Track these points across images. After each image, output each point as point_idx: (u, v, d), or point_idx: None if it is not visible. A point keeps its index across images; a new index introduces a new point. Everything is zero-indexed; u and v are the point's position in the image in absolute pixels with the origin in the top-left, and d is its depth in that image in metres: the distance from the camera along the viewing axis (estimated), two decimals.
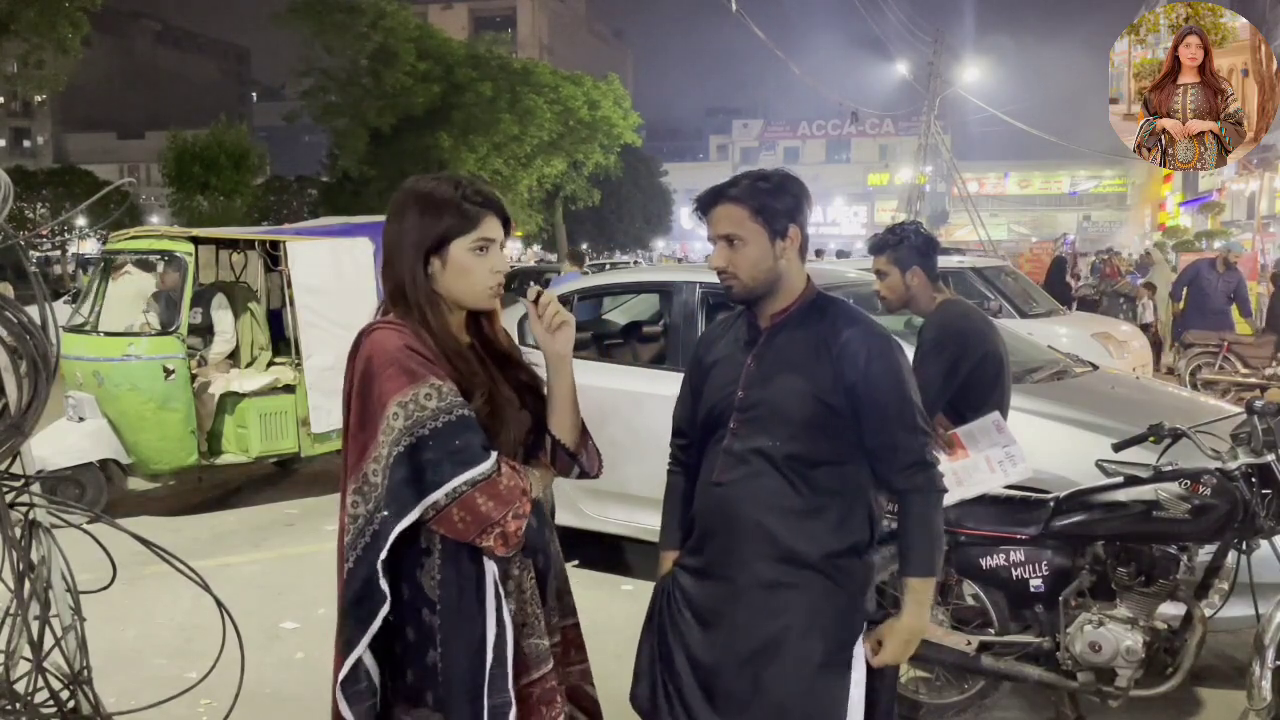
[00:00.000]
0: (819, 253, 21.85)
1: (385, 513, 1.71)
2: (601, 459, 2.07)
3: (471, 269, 1.85)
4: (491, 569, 1.79)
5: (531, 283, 2.07)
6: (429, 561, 1.79)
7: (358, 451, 1.77)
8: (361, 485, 1.75)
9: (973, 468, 3.22)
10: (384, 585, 1.72)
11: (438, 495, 1.70)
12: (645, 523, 4.70)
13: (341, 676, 1.78)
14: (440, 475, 1.70)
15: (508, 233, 1.92)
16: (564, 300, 5.51)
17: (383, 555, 1.71)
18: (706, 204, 2.19)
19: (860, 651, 2.12)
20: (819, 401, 2.08)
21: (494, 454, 1.74)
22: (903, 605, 2.13)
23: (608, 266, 25.51)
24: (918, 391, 2.16)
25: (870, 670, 2.12)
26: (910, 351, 3.45)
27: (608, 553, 5.49)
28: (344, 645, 1.78)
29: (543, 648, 1.89)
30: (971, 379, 3.30)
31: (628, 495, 4.73)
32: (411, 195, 1.88)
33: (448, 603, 1.78)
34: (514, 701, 1.80)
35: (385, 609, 1.74)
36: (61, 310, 8.43)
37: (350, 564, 1.75)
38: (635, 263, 31.39)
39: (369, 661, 1.79)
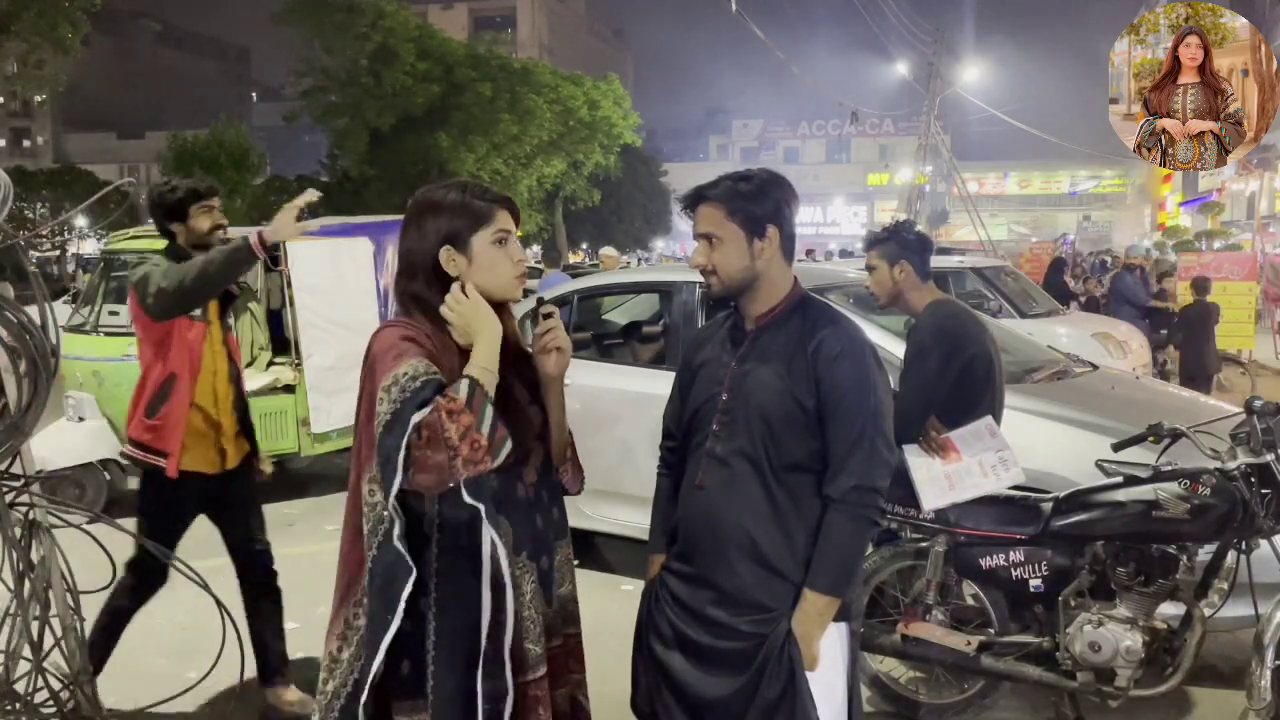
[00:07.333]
0: (809, 253, 21.72)
1: (380, 478, 1.71)
2: (584, 479, 2.08)
3: (496, 260, 1.92)
4: (488, 558, 1.80)
5: (547, 300, 2.08)
6: (428, 552, 1.81)
7: (369, 443, 1.78)
8: (376, 473, 1.76)
9: (965, 471, 3.22)
10: (408, 559, 1.72)
11: (409, 433, 1.68)
12: (645, 523, 4.68)
13: (373, 672, 1.74)
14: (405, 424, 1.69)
15: (518, 224, 1.98)
16: (563, 301, 5.52)
17: (397, 530, 1.71)
18: (691, 203, 2.22)
19: (831, 648, 2.10)
20: (794, 401, 2.08)
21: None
22: (796, 608, 2.08)
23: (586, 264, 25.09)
24: (888, 416, 2.12)
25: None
26: (897, 360, 3.49)
27: (608, 553, 5.49)
28: (371, 638, 1.75)
29: (536, 654, 1.90)
30: (962, 379, 3.31)
31: (628, 495, 4.73)
32: (424, 205, 1.94)
33: (444, 589, 1.80)
34: (511, 690, 1.81)
35: (410, 582, 1.72)
36: (61, 310, 8.44)
37: (373, 551, 1.75)
38: (627, 264, 31.17)
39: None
